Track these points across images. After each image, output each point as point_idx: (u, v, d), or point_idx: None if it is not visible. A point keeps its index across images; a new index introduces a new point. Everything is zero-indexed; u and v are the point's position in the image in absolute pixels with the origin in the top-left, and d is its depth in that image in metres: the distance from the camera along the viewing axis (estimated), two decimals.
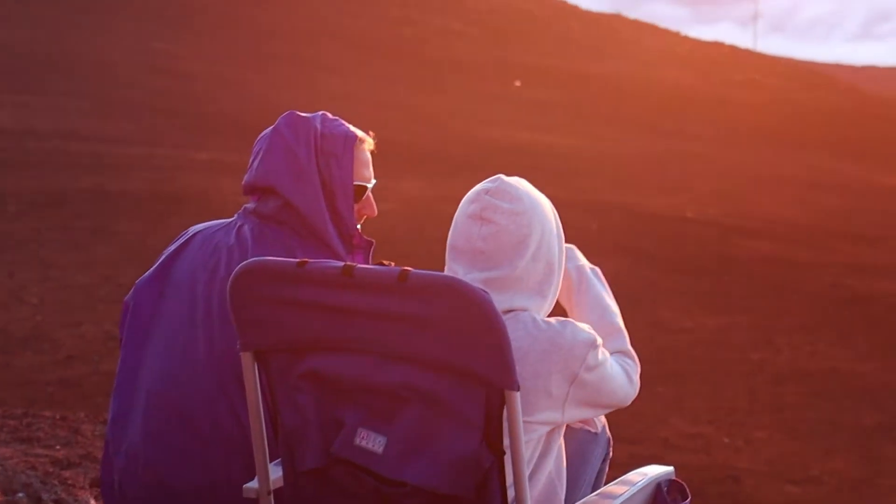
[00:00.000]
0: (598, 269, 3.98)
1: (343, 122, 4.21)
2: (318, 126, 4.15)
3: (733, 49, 72.90)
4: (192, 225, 4.28)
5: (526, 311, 3.45)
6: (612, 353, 3.70)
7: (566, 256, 3.92)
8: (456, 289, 3.08)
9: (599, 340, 3.46)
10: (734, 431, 13.71)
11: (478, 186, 3.52)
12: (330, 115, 4.21)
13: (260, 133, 4.23)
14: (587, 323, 3.69)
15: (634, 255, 22.85)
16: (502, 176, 3.55)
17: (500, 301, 3.40)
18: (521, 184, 3.55)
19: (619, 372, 3.60)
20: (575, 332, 3.41)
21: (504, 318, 3.14)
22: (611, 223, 25.78)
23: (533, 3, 73.39)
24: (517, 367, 3.14)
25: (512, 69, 57.26)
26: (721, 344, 17.09)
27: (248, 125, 30.41)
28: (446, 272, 3.49)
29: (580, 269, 3.92)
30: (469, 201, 3.49)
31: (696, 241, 25.26)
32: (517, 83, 54.77)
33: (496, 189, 3.48)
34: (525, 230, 3.45)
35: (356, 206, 4.18)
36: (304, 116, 4.16)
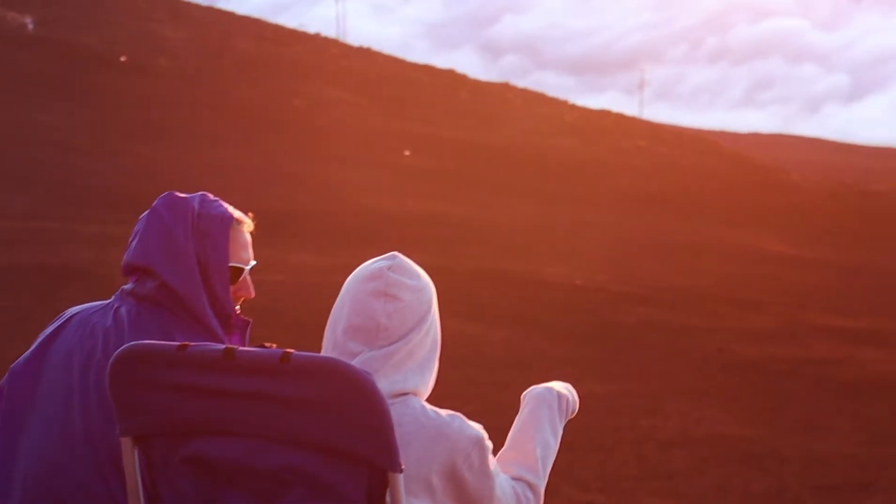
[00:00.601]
0: (566, 397, 3.94)
1: (223, 203, 4.20)
2: (196, 206, 4.12)
3: (620, 117, 73.83)
4: (79, 300, 4.24)
5: (416, 397, 3.45)
6: (515, 478, 3.66)
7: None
8: (339, 370, 3.07)
9: (489, 444, 3.44)
10: (625, 499, 13.77)
11: (375, 264, 3.53)
12: (210, 196, 4.19)
13: (149, 205, 4.21)
14: (512, 440, 3.73)
15: (525, 323, 22.93)
16: (397, 253, 3.57)
17: (394, 381, 3.41)
18: (411, 260, 3.59)
19: (509, 492, 3.57)
20: (463, 426, 3.40)
21: (394, 401, 3.19)
22: (501, 291, 25.87)
23: (422, 73, 73.84)
24: (401, 452, 3.14)
25: (402, 138, 57.47)
26: (611, 411, 17.18)
27: (136, 197, 30.18)
28: (336, 351, 3.47)
29: (539, 395, 3.88)
30: (369, 278, 3.49)
31: (586, 307, 25.42)
32: (407, 153, 54.98)
33: (397, 266, 3.51)
34: (425, 306, 3.50)
35: (232, 288, 4.14)
36: (182, 197, 4.15)
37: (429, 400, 3.56)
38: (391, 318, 3.44)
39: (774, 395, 18.85)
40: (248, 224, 4.24)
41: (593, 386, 18.26)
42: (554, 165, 55.90)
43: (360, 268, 3.58)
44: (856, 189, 57.91)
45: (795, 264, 38.27)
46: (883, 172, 72.48)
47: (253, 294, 4.26)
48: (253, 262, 4.26)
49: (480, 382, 17.44)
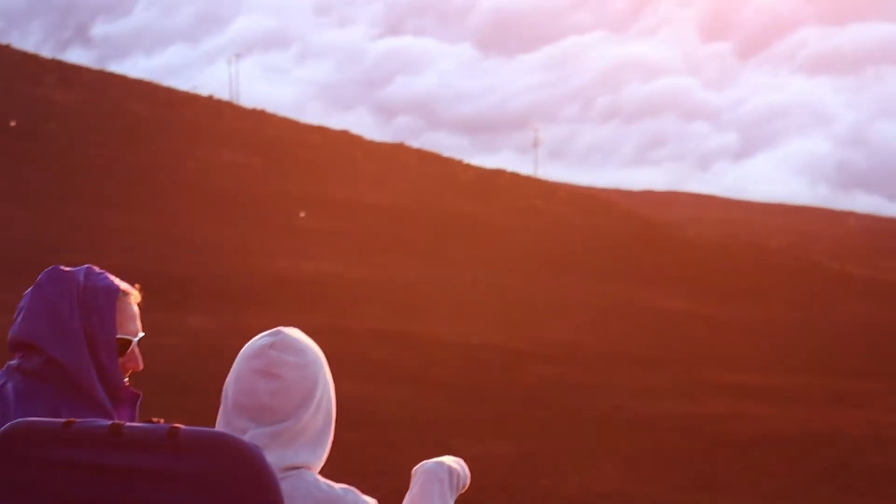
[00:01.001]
0: (457, 471, 3.86)
1: (108, 275, 4.16)
2: (82, 279, 4.08)
3: (515, 176, 74.27)
4: None
5: (310, 471, 3.42)
6: None
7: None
8: (228, 445, 3.03)
9: None
10: None
11: (259, 340, 3.50)
12: (96, 269, 4.15)
13: (38, 273, 4.17)
14: None
15: (422, 384, 22.89)
16: (283, 329, 3.53)
17: (284, 456, 3.38)
18: (300, 335, 3.54)
19: None
20: (357, 500, 3.40)
21: (287, 475, 3.16)
22: (398, 351, 25.81)
23: (316, 134, 73.84)
24: None
25: (297, 200, 57.34)
26: (511, 470, 17.16)
27: (23, 265, 29.75)
28: (227, 426, 3.44)
29: (430, 469, 3.81)
30: (252, 356, 3.46)
31: (483, 367, 25.44)
32: (302, 214, 54.85)
33: (280, 343, 3.46)
34: (311, 383, 3.44)
35: (121, 360, 4.09)
36: (66, 270, 4.10)
37: (324, 466, 3.53)
38: (275, 396, 3.40)
39: (672, 453, 18.95)
40: (135, 295, 4.20)
41: (493, 445, 18.23)
42: (449, 225, 56.04)
43: (247, 344, 3.53)
44: (749, 245, 58.63)
45: (691, 321, 38.62)
46: (774, 228, 73.53)
47: (141, 366, 4.21)
48: (141, 334, 4.21)
49: (377, 444, 17.37)
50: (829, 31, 67.80)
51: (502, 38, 78.55)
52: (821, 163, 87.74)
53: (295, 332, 3.54)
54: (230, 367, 3.57)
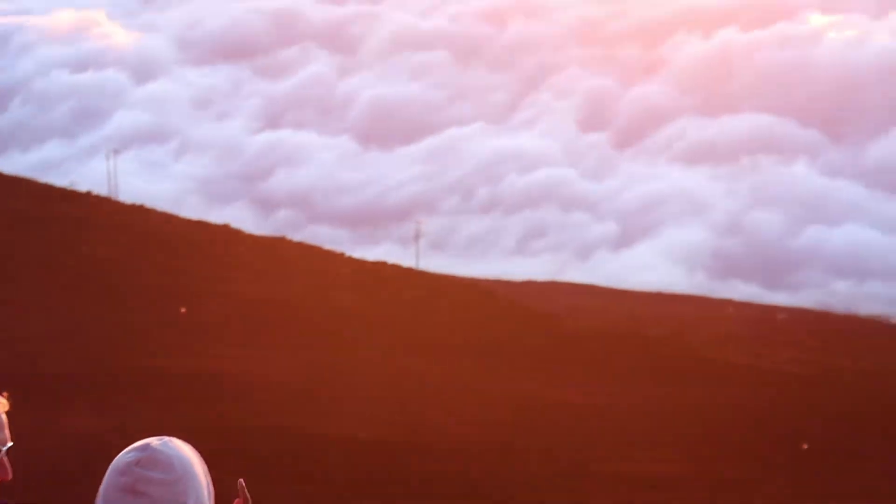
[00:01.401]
0: None
1: None
2: None
3: (397, 268, 74.26)
4: None
5: None
6: None
7: None
8: None
9: None
10: None
11: (126, 456, 3.37)
12: None
13: None
14: None
15: (308, 482, 22.56)
16: (151, 442, 3.39)
17: None
18: (170, 448, 3.40)
19: None
20: None
21: None
22: (281, 447, 25.45)
23: (196, 228, 73.29)
24: None
25: (179, 294, 56.75)
26: None
27: None
28: None
29: None
30: (119, 473, 3.34)
31: (370, 462, 25.14)
32: (183, 309, 54.26)
33: (146, 459, 3.34)
34: (181, 498, 3.32)
35: None
36: None
37: None
38: None
39: None
40: (3, 404, 4.01)
41: None
42: (332, 317, 55.76)
43: (116, 458, 3.41)
44: (630, 334, 59.01)
45: (575, 410, 38.61)
46: (654, 317, 74.13)
47: (10, 475, 4.01)
48: (10, 444, 4.02)
49: None
50: (704, 122, 69.29)
51: (382, 131, 79.31)
52: (698, 251, 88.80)
53: (165, 446, 3.41)
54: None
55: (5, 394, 4.02)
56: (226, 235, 75.40)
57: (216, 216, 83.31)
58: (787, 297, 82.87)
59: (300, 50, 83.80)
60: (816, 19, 79.07)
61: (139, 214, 73.51)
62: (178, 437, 3.47)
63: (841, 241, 79.13)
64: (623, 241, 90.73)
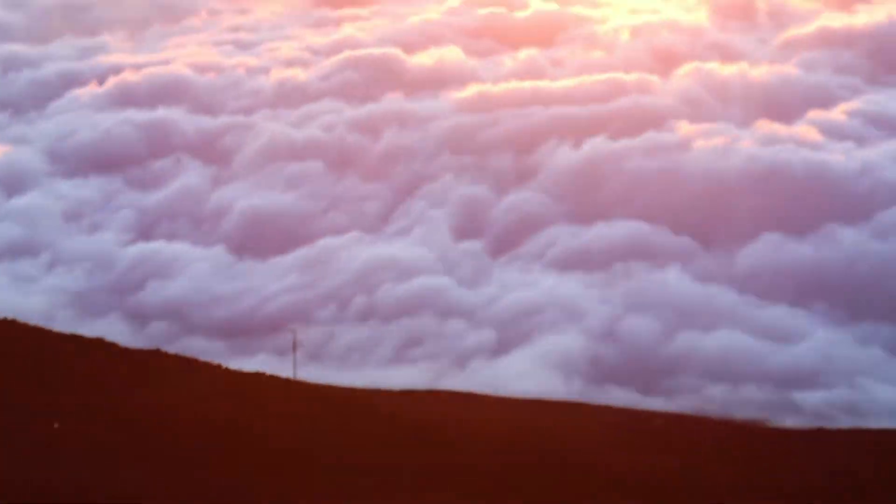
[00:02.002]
0: None
1: None
2: None
3: (273, 379, 73.54)
4: None
5: None
6: None
7: None
8: None
9: None
10: None
11: None
12: None
13: None
14: None
15: None
16: None
17: None
18: None
19: None
20: None
21: None
22: None
23: (69, 342, 72.14)
24: None
25: (51, 410, 55.63)
26: None
27: None
28: None
29: None
30: None
31: None
32: (56, 425, 53.15)
33: None
34: None
35: None
36: None
37: None
38: None
39: None
40: None
41: None
42: (208, 430, 54.95)
43: None
44: (506, 441, 58.87)
45: None
46: (531, 424, 74.14)
47: None
48: None
49: None
50: (577, 230, 70.13)
51: (256, 241, 79.07)
52: (575, 358, 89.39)
53: None
54: None
55: None
56: (99, 349, 74.19)
57: (88, 330, 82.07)
58: (663, 403, 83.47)
59: (173, 161, 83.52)
60: (684, 128, 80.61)
61: (10, 329, 72.15)
62: None
63: (715, 346, 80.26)
64: (500, 348, 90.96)
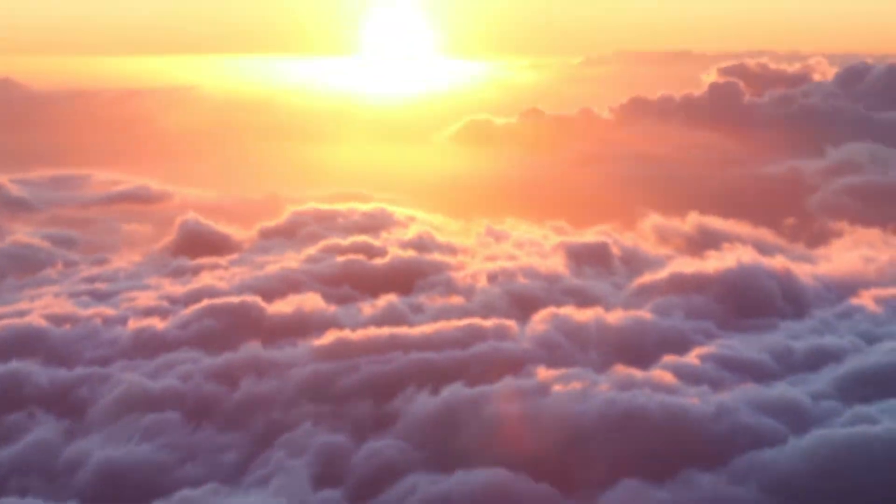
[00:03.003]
0: None
1: None
2: None
3: None
4: None
5: None
6: None
7: None
8: None
9: None
10: None
11: None
12: None
13: None
14: None
15: None
16: None
17: None
18: None
19: None
20: None
21: None
22: None
23: None
24: None
25: None
26: None
27: None
28: None
29: None
30: None
31: None
32: None
33: None
34: None
35: None
36: None
37: None
38: None
39: None
40: None
41: None
42: None
43: None
44: None
45: None
46: None
47: None
48: None
49: None
50: (437, 477, 69.57)
51: (112, 494, 76.80)
52: None
53: None
54: None
55: None
56: None
57: None
58: None
59: (26, 415, 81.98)
60: (542, 373, 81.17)
61: None
62: None
63: None
64: None
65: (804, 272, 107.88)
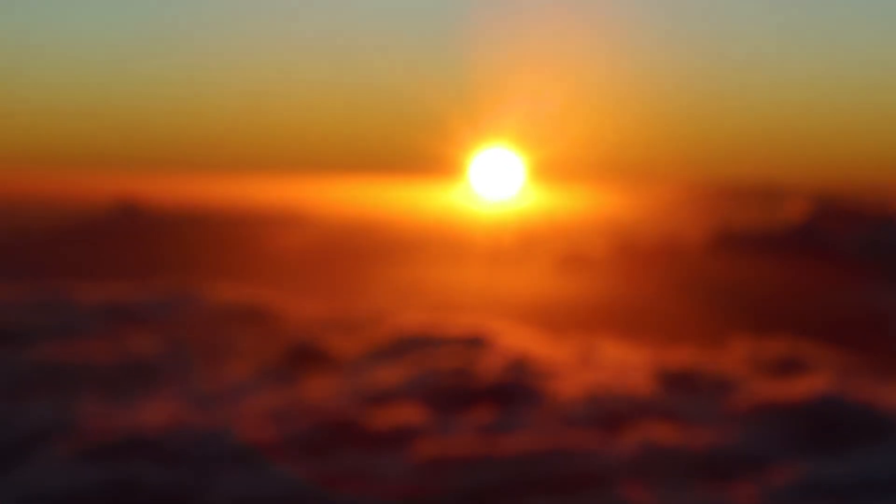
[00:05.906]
0: None
1: None
2: None
3: None
4: None
5: None
6: None
7: None
8: None
9: None
10: None
11: None
12: None
13: None
14: None
15: None
16: None
17: None
18: None
19: None
20: None
21: None
22: None
23: None
24: None
25: None
26: None
27: None
28: None
29: None
30: None
31: None
32: None
33: None
34: None
35: None
36: None
37: None
38: None
39: None
40: None
41: None
42: None
43: None
44: None
45: None
46: None
47: None
48: None
49: None
50: None
51: None
52: None
53: None
54: None
55: None
56: None
57: None
58: None
59: None
60: (631, 492, 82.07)
61: None
62: None
63: None
64: None
65: (893, 402, 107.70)
